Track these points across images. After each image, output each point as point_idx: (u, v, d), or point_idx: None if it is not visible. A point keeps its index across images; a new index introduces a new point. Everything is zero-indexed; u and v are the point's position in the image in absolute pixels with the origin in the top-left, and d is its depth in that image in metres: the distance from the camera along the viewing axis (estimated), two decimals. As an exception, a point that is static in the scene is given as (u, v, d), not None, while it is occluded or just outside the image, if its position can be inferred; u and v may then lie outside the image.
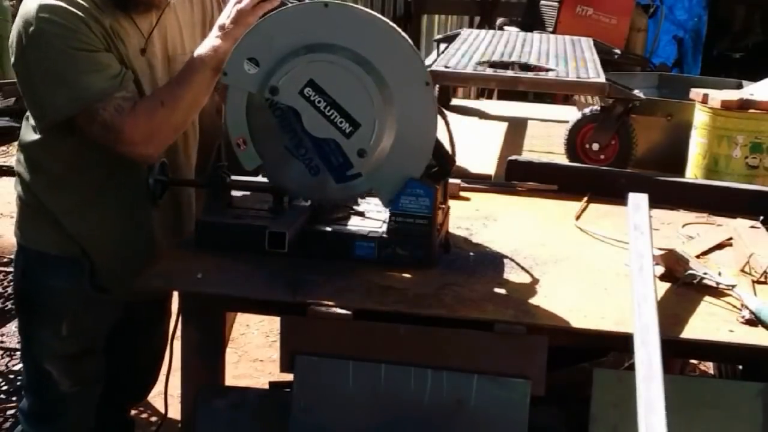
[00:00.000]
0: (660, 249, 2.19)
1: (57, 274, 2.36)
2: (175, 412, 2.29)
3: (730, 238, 2.46)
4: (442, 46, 3.82)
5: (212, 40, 2.24)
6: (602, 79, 2.98)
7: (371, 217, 2.27)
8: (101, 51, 2.19)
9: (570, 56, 3.43)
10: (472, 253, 2.27)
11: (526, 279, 2.13)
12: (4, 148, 7.07)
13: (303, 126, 2.09)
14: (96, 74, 2.16)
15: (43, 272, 2.37)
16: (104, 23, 2.20)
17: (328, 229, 2.20)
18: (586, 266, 2.22)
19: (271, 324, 4.29)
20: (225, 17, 2.23)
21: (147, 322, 2.66)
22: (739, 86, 3.51)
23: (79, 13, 2.15)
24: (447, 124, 2.24)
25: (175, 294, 2.16)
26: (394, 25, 2.10)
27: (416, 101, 2.07)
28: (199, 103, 2.32)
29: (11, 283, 3.62)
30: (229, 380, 2.24)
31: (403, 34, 2.09)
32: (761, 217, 2.63)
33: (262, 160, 2.15)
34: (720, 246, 2.42)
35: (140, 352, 2.72)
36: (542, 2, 5.92)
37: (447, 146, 2.23)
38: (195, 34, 2.48)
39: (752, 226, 2.54)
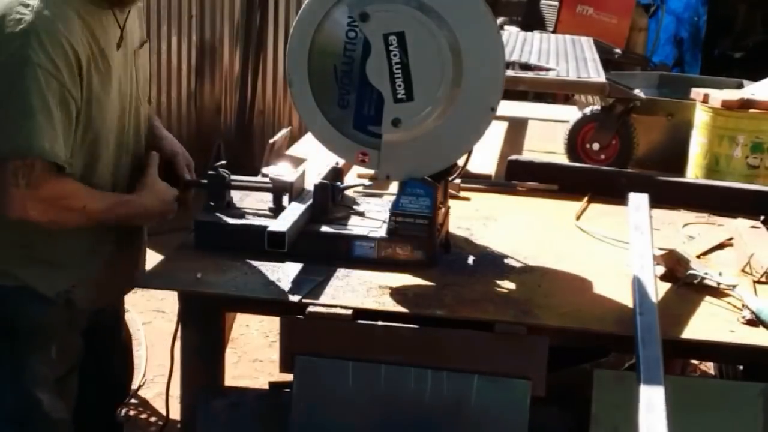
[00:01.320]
0: (660, 249, 2.19)
1: (39, 300, 2.16)
2: (175, 413, 2.28)
3: (731, 238, 2.46)
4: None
5: (150, 203, 2.20)
6: (603, 78, 2.98)
7: (371, 217, 2.27)
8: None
9: (570, 56, 3.43)
10: (472, 254, 2.27)
11: (526, 279, 2.12)
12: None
13: (365, 63, 2.05)
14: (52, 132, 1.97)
15: (25, 300, 2.17)
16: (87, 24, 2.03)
17: (328, 229, 2.19)
18: (587, 266, 2.22)
19: (271, 324, 4.28)
20: (159, 199, 2.20)
21: (114, 321, 2.54)
22: (740, 86, 3.51)
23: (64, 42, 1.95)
24: None
25: (174, 294, 2.15)
26: (503, 44, 2.08)
27: (474, 120, 2.06)
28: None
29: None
30: (229, 381, 2.23)
31: (504, 56, 2.07)
32: (762, 217, 2.62)
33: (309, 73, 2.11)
34: (721, 246, 2.42)
35: (111, 354, 2.54)
36: (543, 2, 5.93)
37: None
38: (142, 24, 2.34)
39: (753, 226, 2.54)
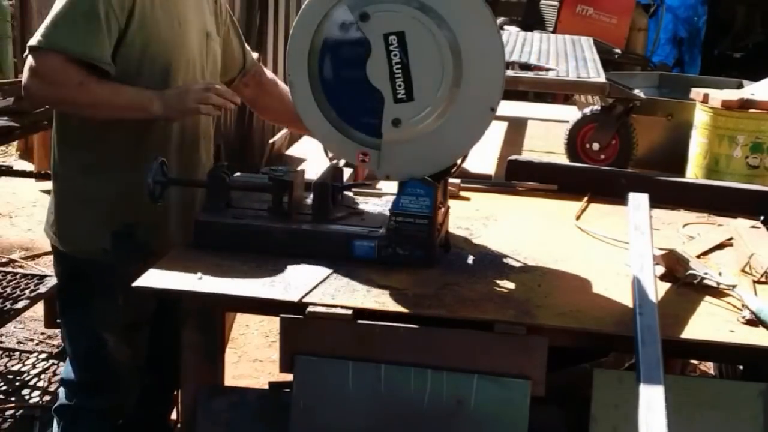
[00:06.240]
0: (660, 249, 2.19)
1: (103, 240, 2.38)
2: (174, 412, 2.28)
3: (731, 238, 2.46)
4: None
5: (154, 102, 2.29)
6: (603, 78, 2.98)
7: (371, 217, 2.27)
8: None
9: (570, 56, 3.43)
10: (472, 253, 2.27)
11: (526, 279, 2.12)
12: (3, 148, 7.05)
13: (365, 64, 2.04)
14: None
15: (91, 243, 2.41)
16: None
17: (329, 228, 2.19)
18: (587, 266, 2.22)
19: (271, 324, 4.29)
20: (185, 96, 2.29)
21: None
22: (740, 86, 3.52)
23: None
24: None
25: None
26: (503, 45, 2.08)
27: (474, 120, 2.06)
28: (91, 108, 2.33)
29: (11, 283, 3.62)
30: (229, 380, 2.24)
31: (504, 56, 2.07)
32: (762, 217, 2.62)
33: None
34: (720, 246, 2.42)
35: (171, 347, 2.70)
36: (542, 2, 5.93)
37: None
38: (209, 16, 2.52)
39: (753, 226, 2.54)
